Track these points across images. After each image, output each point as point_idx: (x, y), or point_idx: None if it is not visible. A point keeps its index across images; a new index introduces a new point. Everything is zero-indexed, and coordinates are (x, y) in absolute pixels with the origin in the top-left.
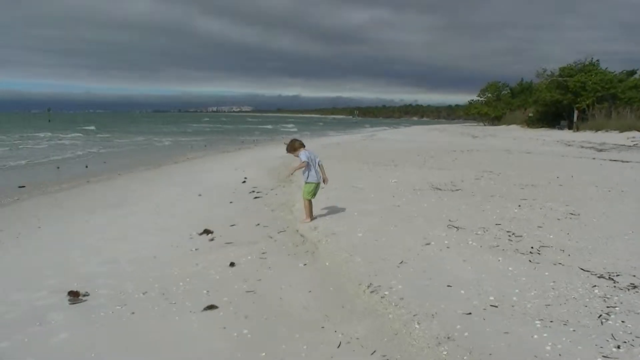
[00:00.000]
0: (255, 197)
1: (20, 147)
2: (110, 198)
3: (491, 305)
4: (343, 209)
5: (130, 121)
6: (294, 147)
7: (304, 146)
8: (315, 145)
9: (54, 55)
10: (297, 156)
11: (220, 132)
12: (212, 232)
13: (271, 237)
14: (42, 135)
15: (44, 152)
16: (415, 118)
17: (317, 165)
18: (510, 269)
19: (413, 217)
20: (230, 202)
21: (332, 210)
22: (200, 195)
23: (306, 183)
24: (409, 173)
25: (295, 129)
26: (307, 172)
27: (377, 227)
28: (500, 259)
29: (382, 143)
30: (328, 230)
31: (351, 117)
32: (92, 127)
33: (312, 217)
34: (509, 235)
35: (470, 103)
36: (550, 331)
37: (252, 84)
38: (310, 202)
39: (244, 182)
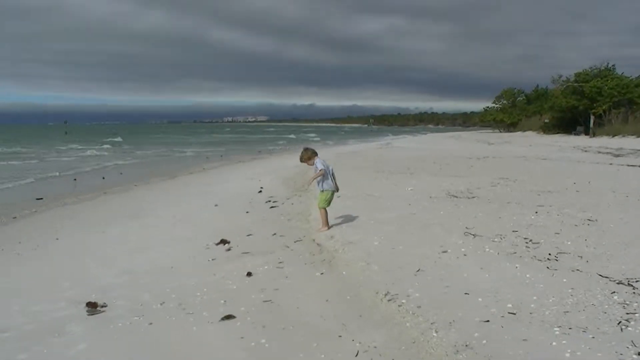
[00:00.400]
0: (272, 207)
1: (47, 159)
2: (127, 209)
3: (509, 313)
4: (359, 218)
5: (149, 131)
6: (308, 156)
7: (317, 154)
8: (330, 154)
9: (70, 67)
10: (313, 164)
11: (242, 142)
12: (228, 242)
13: (288, 247)
14: (72, 146)
15: (73, 163)
16: (430, 125)
17: (331, 173)
18: (527, 276)
19: (429, 225)
20: (247, 212)
21: (349, 219)
22: (216, 205)
23: (322, 192)
24: (425, 181)
25: (317, 138)
26: (322, 180)
27: (393, 235)
28: (517, 266)
29: (398, 151)
30: (344, 239)
31: (366, 125)
32: (119, 139)
33: (328, 226)
34: (526, 242)
35: (486, 110)
36: (569, 338)
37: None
38: (325, 210)
39: (260, 191)
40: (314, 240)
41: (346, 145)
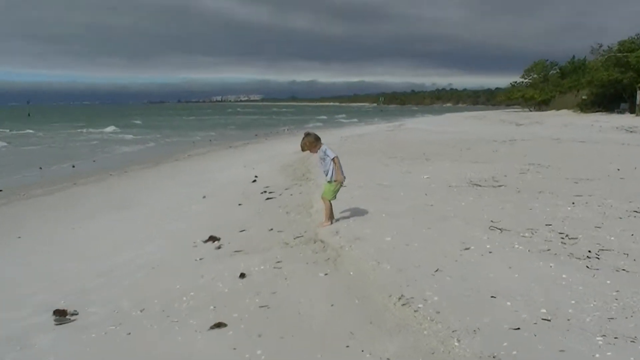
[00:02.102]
0: (268, 198)
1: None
2: (101, 202)
3: (543, 319)
4: (368, 210)
5: (127, 113)
6: (311, 142)
7: (320, 140)
8: (333, 138)
9: (37, 41)
10: (323, 152)
11: (235, 125)
12: (218, 239)
13: (287, 244)
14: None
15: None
16: (449, 104)
17: (339, 160)
18: (564, 276)
19: (449, 218)
20: (239, 205)
21: (356, 212)
22: (204, 197)
23: (329, 182)
24: (443, 168)
25: (322, 119)
26: (331, 169)
27: (407, 229)
28: (552, 264)
29: (412, 134)
30: (352, 235)
31: (376, 105)
32: (82, 124)
33: (332, 220)
34: (562, 238)
35: (513, 86)
36: (615, 349)
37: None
38: (330, 203)
39: (254, 181)
40: (316, 236)
41: (352, 127)
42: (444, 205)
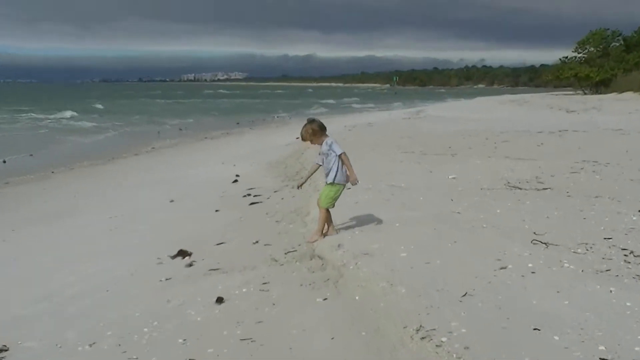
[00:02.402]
0: (252, 203)
1: None
2: (40, 207)
3: (602, 359)
4: (378, 219)
5: (74, 94)
6: (314, 131)
7: (326, 129)
8: (336, 127)
9: None
10: (328, 146)
11: (213, 111)
12: (189, 255)
13: (276, 260)
14: None
15: None
16: (482, 85)
17: None
18: (628, 304)
19: (481, 229)
20: (216, 211)
21: (364, 220)
22: (172, 201)
23: (330, 184)
24: (474, 165)
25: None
26: (335, 168)
27: (428, 243)
28: (612, 289)
29: (434, 123)
30: (358, 249)
31: (389, 86)
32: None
33: (333, 229)
34: (626, 255)
35: (563, 62)
36: None
37: (246, 40)
38: (327, 212)
39: (235, 181)
40: (313, 251)
41: (364, 114)
42: (474, 212)
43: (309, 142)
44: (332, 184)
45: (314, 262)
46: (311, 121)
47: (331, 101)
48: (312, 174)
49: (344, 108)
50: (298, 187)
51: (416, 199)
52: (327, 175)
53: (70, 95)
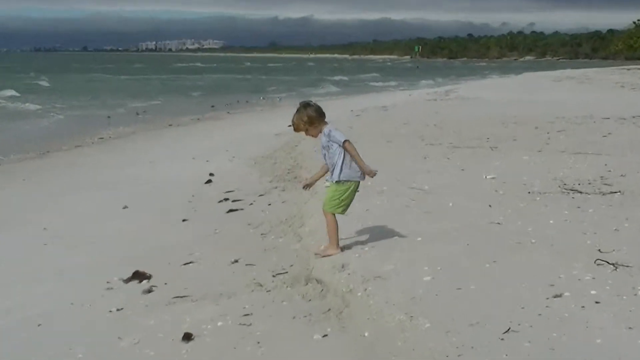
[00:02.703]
0: (231, 210)
1: None
2: None
3: None
4: (394, 231)
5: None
6: (311, 119)
7: (324, 115)
8: (340, 111)
9: None
10: (327, 136)
11: (181, 88)
12: (148, 277)
13: (261, 285)
14: None
15: None
16: (530, 58)
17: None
18: None
19: (528, 246)
20: (184, 220)
21: (376, 233)
22: (125, 207)
23: (338, 182)
24: (519, 162)
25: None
26: (340, 162)
27: (459, 263)
28: None
29: (467, 106)
30: (368, 271)
31: (409, 57)
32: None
33: (338, 247)
34: None
35: (639, 26)
36: None
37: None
38: (335, 220)
39: (209, 181)
40: (309, 272)
41: (376, 94)
42: (519, 223)
43: (303, 133)
44: (339, 182)
45: (311, 288)
46: (305, 105)
47: (343, 78)
48: (322, 176)
49: (360, 87)
50: (304, 187)
51: (444, 205)
52: (331, 172)
53: (5, 69)
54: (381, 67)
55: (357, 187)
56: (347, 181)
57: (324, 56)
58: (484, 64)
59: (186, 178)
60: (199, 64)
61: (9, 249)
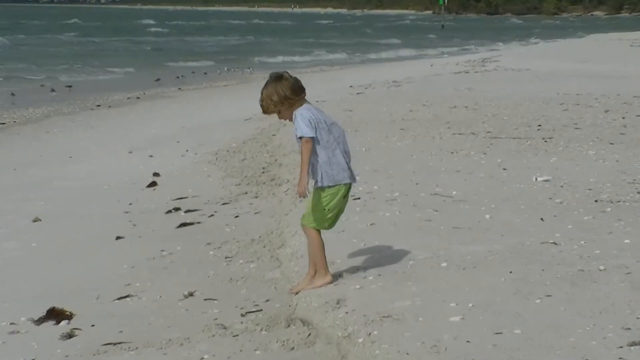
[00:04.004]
0: (184, 224)
1: None
2: None
3: None
4: (410, 254)
5: None
6: (281, 98)
7: (302, 95)
8: (335, 86)
9: None
10: (294, 120)
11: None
12: (69, 317)
13: (225, 328)
14: None
15: None
16: (598, 13)
17: (341, 142)
18: None
19: (595, 275)
20: (118, 238)
21: (383, 257)
22: (36, 220)
23: (320, 188)
24: (582, 158)
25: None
26: (319, 162)
27: (499, 298)
28: None
29: (511, 81)
30: (373, 309)
31: (432, 13)
32: None
33: (326, 273)
34: None
35: None
36: None
37: None
38: (320, 237)
39: (154, 184)
40: (293, 310)
41: (376, 64)
42: (583, 243)
43: (275, 116)
44: (322, 187)
45: (295, 332)
46: (277, 79)
47: (339, 41)
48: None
49: (363, 54)
50: (300, 197)
51: (479, 218)
52: (311, 173)
53: None
54: (393, 27)
55: (348, 192)
56: (334, 185)
57: (313, 10)
58: (535, 22)
59: (120, 180)
60: (139, 21)
61: None
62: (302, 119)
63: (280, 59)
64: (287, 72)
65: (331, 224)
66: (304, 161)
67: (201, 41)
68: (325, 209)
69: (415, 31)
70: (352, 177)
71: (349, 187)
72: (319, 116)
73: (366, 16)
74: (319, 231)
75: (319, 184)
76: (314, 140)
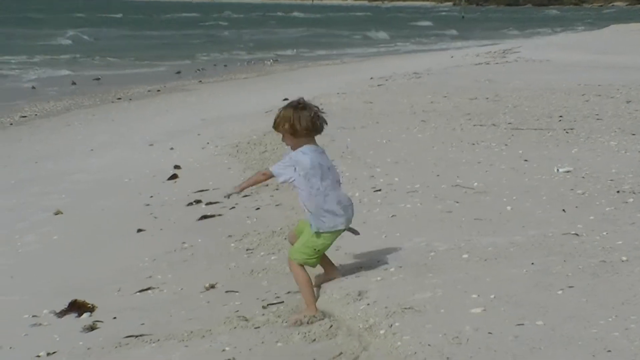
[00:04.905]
0: (205, 217)
1: None
2: None
3: None
4: (431, 245)
5: None
6: (294, 128)
7: (317, 133)
8: (358, 78)
9: None
10: (289, 158)
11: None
12: (90, 310)
13: (247, 320)
14: None
15: None
16: (620, 3)
17: (336, 183)
18: None
19: (618, 266)
20: (139, 231)
21: (404, 249)
22: (57, 213)
23: (314, 233)
24: (604, 149)
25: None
26: (311, 206)
27: (521, 289)
28: None
29: (533, 72)
30: (394, 301)
31: (451, 4)
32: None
33: (334, 271)
34: None
35: None
36: None
37: None
38: (305, 270)
39: (174, 176)
40: (314, 302)
41: (396, 55)
42: (604, 234)
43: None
44: (318, 233)
45: (316, 324)
46: (302, 108)
47: (356, 32)
48: (258, 183)
49: (383, 46)
50: (227, 196)
51: (500, 210)
52: (306, 215)
53: None
54: (412, 18)
55: (338, 237)
56: (326, 232)
57: (329, 3)
58: (557, 12)
59: (141, 172)
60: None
61: None
62: (290, 160)
63: (303, 52)
64: (317, 108)
65: (316, 263)
66: (251, 181)
67: (216, 34)
68: (315, 250)
69: (434, 22)
70: (348, 221)
71: (338, 234)
72: (315, 161)
73: (383, 7)
74: (301, 265)
75: (314, 229)
76: (292, 184)
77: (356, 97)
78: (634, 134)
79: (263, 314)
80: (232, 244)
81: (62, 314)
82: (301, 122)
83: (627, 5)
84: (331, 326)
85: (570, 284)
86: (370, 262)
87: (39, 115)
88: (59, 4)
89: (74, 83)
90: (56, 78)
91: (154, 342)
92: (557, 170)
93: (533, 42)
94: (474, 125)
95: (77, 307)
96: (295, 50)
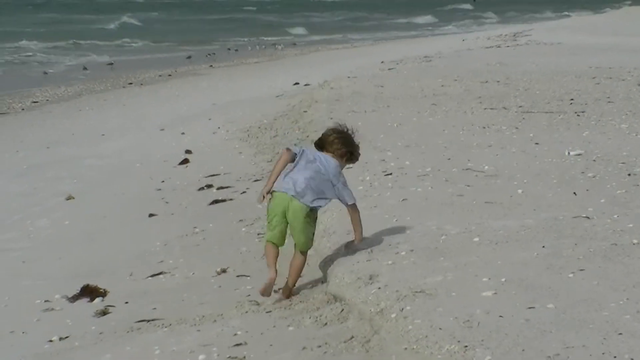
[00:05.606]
0: (216, 201)
1: None
2: None
3: None
4: (442, 229)
5: None
6: (353, 154)
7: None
8: (369, 62)
9: None
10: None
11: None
12: (103, 294)
13: (258, 304)
14: None
15: None
16: None
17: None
18: None
19: (628, 249)
20: (151, 216)
21: (415, 233)
22: (69, 198)
23: (312, 210)
24: (615, 132)
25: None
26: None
27: (532, 273)
28: None
29: (544, 55)
30: (405, 284)
31: None
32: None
33: (290, 294)
34: None
35: None
36: None
37: None
38: (304, 257)
39: (186, 161)
40: (325, 287)
41: (407, 39)
42: (615, 217)
43: (307, 93)
44: (316, 207)
45: (327, 308)
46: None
47: (364, 13)
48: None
49: (393, 30)
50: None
51: (511, 193)
52: (316, 199)
53: None
54: (420, 1)
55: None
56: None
57: None
58: None
59: (152, 157)
60: None
61: None
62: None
63: (313, 38)
64: (351, 128)
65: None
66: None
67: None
68: (314, 232)
69: (444, 5)
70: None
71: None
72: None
73: None
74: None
75: (313, 204)
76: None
77: (367, 80)
78: None
79: (273, 299)
80: (244, 229)
81: (74, 298)
82: (353, 156)
83: None
84: (342, 310)
85: (581, 267)
86: (381, 245)
87: (50, 100)
88: None
89: (85, 68)
90: (71, 65)
91: (165, 327)
92: (568, 153)
93: (544, 25)
94: (485, 109)
95: (89, 292)
96: (342, 35)
